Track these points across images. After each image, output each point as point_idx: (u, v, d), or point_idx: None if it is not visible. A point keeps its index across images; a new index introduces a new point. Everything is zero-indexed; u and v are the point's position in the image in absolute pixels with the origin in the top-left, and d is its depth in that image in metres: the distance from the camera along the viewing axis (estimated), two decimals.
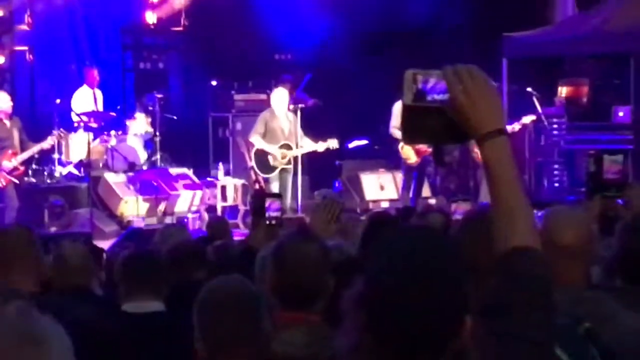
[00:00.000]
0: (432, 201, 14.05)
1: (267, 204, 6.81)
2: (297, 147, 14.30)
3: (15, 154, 13.75)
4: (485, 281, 2.49)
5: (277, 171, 14.10)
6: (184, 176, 15.27)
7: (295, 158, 14.35)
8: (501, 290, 2.32)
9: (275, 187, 13.80)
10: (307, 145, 14.42)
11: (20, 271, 4.83)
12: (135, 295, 4.72)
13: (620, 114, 15.46)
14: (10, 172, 13.66)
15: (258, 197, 8.31)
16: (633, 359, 3.39)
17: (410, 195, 14.48)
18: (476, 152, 13.88)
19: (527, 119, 14.70)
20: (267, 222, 6.62)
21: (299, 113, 14.40)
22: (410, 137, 2.49)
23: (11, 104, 13.95)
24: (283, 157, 14.16)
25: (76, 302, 5.22)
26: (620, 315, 3.67)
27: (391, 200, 14.84)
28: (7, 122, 13.80)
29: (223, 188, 15.04)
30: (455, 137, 2.41)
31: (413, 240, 2.40)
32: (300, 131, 14.31)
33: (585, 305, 3.51)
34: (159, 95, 16.15)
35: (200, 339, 3.55)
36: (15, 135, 13.91)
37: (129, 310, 4.76)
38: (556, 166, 16.00)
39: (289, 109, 14.63)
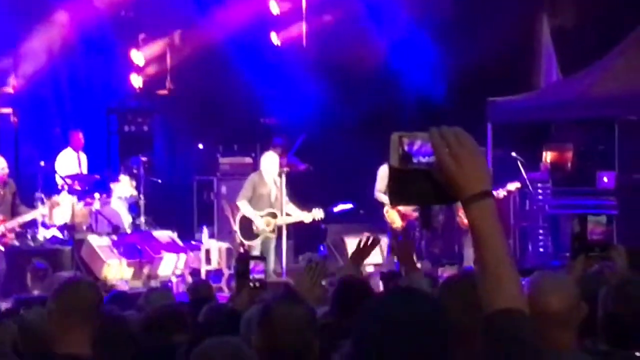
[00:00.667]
0: (418, 265, 13.90)
1: (251, 266, 6.67)
2: (282, 214, 14.34)
3: (4, 221, 13.76)
4: (468, 342, 2.76)
5: (259, 238, 14.18)
6: (168, 239, 15.26)
7: (280, 225, 14.54)
8: (488, 353, 2.31)
9: (256, 253, 13.70)
10: (293, 214, 14.49)
11: (80, 332, 4.67)
12: None
13: (605, 179, 15.66)
14: None
15: (242, 260, 7.93)
16: None
17: (395, 259, 14.35)
18: (460, 216, 13.93)
19: (512, 186, 14.82)
20: (252, 285, 6.50)
21: (284, 177, 14.42)
22: (396, 198, 2.46)
23: (7, 170, 13.97)
24: (267, 226, 14.23)
25: None
26: None
27: (376, 265, 14.21)
28: (1, 190, 13.88)
29: (207, 251, 14.97)
30: (442, 198, 2.40)
31: (400, 301, 2.45)
32: (285, 197, 14.37)
33: None
34: (144, 158, 16.26)
35: None
36: (9, 200, 13.98)
37: None
38: (541, 231, 16.11)
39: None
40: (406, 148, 2.39)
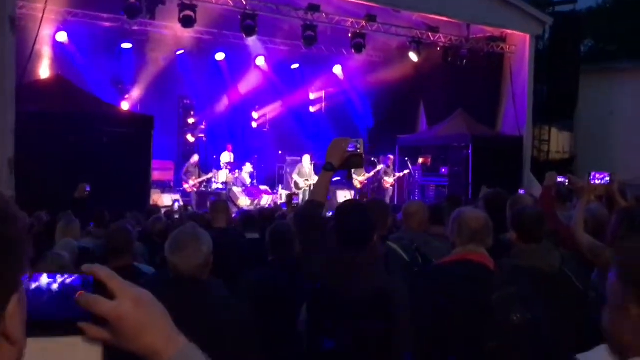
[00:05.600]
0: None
1: (294, 198, 9.26)
2: (311, 180, 15.53)
3: (195, 179, 15.74)
4: None
5: (302, 189, 15.85)
6: (265, 189, 16.94)
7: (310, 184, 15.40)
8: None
9: (301, 196, 15.32)
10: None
11: (222, 216, 5.40)
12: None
13: (443, 170, 17.35)
14: (192, 187, 15.71)
15: (290, 196, 10.19)
16: (437, 258, 3.53)
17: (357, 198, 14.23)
18: (385, 180, 16.47)
19: (404, 172, 17.19)
20: (293, 205, 8.48)
21: (312, 164, 16.03)
22: (345, 166, 2.90)
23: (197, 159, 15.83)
24: (305, 184, 15.89)
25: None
26: (434, 243, 4.14)
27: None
28: (196, 167, 15.89)
29: (281, 195, 16.57)
30: (359, 166, 2.99)
31: None
32: (312, 172, 15.74)
33: (417, 240, 4.04)
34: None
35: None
36: (197, 172, 15.88)
37: None
38: (417, 192, 17.59)
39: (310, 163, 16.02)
40: (349, 146, 2.88)
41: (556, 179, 5.32)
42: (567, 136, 21.84)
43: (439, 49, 16.86)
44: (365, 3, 14.85)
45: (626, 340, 1.40)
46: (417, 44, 16.45)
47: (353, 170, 3.27)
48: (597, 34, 25.77)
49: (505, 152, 16.54)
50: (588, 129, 20.81)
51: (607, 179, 4.90)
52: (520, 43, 17.49)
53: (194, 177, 15.88)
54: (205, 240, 2.81)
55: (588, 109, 20.09)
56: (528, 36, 17.59)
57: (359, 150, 2.97)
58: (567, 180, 5.40)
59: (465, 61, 16.76)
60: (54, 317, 0.95)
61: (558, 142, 21.36)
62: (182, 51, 16.64)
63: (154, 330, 1.00)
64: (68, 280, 0.97)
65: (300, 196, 15.32)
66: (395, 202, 16.66)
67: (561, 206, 5.68)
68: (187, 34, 15.43)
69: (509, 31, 17.38)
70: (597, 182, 4.84)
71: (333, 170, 2.98)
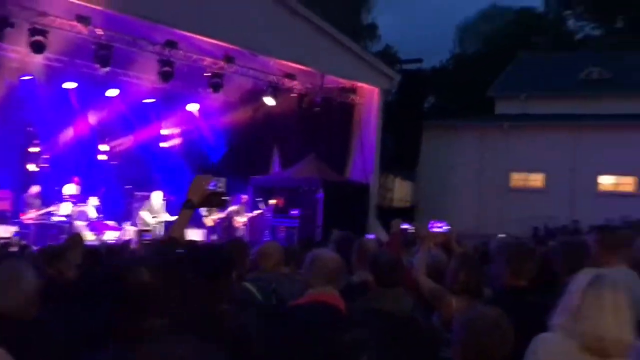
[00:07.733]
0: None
1: (144, 235, 8.82)
2: (160, 217, 14.89)
3: (35, 211, 14.50)
4: None
5: (152, 226, 14.75)
6: (113, 226, 15.70)
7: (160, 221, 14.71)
8: None
9: (155, 232, 14.29)
10: (166, 218, 14.85)
11: (78, 250, 5.30)
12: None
13: (294, 212, 16.93)
14: (30, 219, 14.31)
15: (140, 232, 9.81)
16: (291, 299, 3.55)
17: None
18: (236, 219, 16.21)
19: (256, 212, 17.02)
20: (144, 242, 8.21)
21: (164, 201, 15.20)
22: (205, 204, 2.94)
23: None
24: (154, 220, 14.95)
25: None
26: (286, 283, 4.15)
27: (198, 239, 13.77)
28: (37, 197, 14.73)
29: (128, 232, 15.44)
30: (220, 205, 3.03)
31: None
32: (163, 210, 15.18)
33: (272, 280, 4.10)
34: None
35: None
36: (37, 203, 14.58)
37: None
38: (267, 232, 17.13)
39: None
40: (210, 184, 2.85)
41: (401, 225, 5.66)
42: (410, 185, 22.69)
43: (294, 95, 17.28)
44: (223, 44, 15.00)
45: None
46: (274, 89, 16.79)
47: (206, 209, 3.22)
48: (439, 92, 27.37)
49: (353, 197, 17.08)
50: (429, 180, 21.80)
51: (446, 228, 5.37)
52: (369, 95, 18.49)
53: (34, 209, 15.04)
54: (28, 278, 2.71)
55: (429, 161, 21.23)
56: (377, 89, 18.60)
57: (219, 189, 2.94)
58: (413, 228, 5.67)
59: (318, 109, 17.28)
60: None
61: (401, 190, 22.21)
62: (30, 77, 15.73)
63: None
64: None
65: (155, 232, 14.87)
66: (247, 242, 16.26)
67: (406, 251, 5.98)
68: (35, 60, 14.76)
69: (360, 84, 18.15)
70: (435, 229, 5.30)
71: (193, 207, 2.93)
